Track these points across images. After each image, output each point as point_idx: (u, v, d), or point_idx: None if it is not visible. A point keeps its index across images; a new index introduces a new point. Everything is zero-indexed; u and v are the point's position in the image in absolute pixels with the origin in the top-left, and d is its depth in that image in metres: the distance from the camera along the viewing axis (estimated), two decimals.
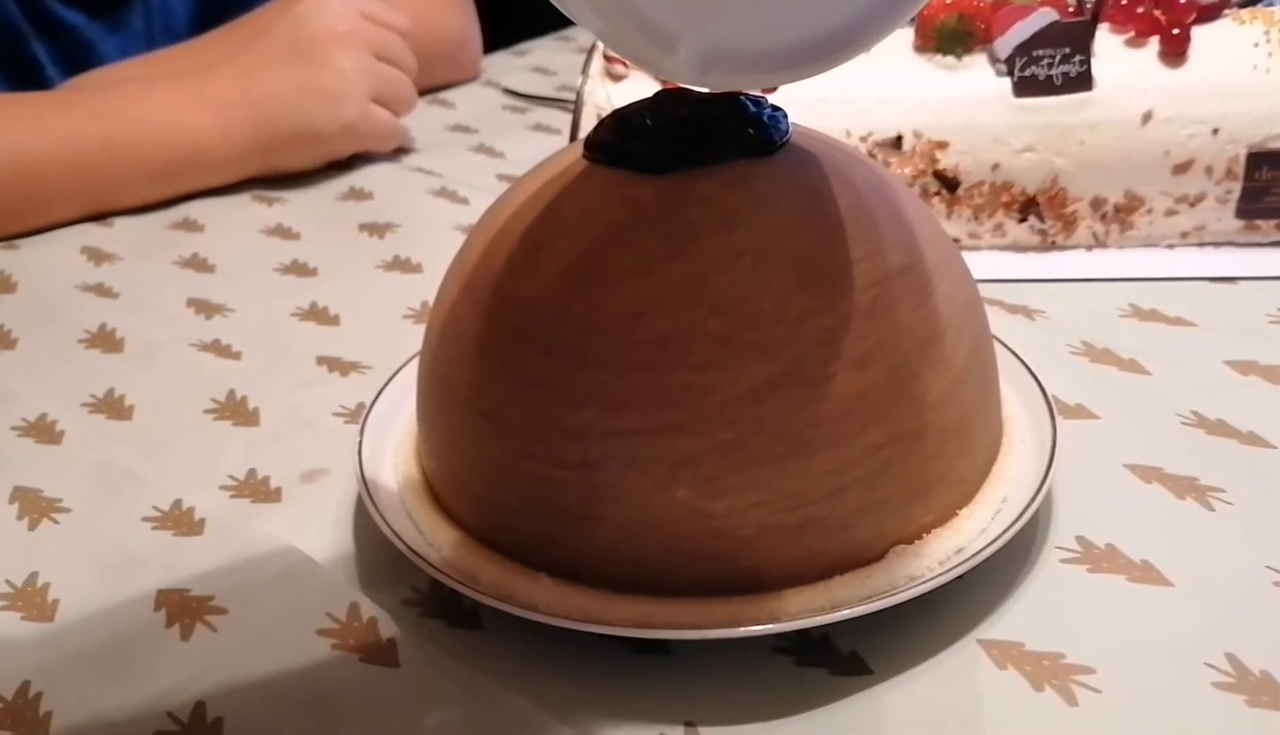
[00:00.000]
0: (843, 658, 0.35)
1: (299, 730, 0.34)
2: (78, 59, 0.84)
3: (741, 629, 0.34)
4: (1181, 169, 0.58)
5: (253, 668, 0.37)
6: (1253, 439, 0.44)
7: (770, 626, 0.34)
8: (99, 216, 0.73)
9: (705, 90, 0.37)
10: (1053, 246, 0.61)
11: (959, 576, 0.35)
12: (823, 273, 0.35)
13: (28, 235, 0.72)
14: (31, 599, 0.41)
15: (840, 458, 0.34)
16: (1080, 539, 0.39)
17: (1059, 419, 0.41)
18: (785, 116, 0.38)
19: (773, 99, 0.39)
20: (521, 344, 0.36)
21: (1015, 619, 0.36)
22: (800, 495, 0.34)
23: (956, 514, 0.37)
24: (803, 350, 0.34)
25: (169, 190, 0.75)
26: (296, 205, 0.75)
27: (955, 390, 0.36)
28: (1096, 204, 0.60)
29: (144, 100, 0.74)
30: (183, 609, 0.39)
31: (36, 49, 0.83)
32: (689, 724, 0.34)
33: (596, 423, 0.34)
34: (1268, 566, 0.38)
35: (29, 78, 0.82)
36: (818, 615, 0.34)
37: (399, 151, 0.83)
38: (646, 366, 0.34)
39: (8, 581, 0.41)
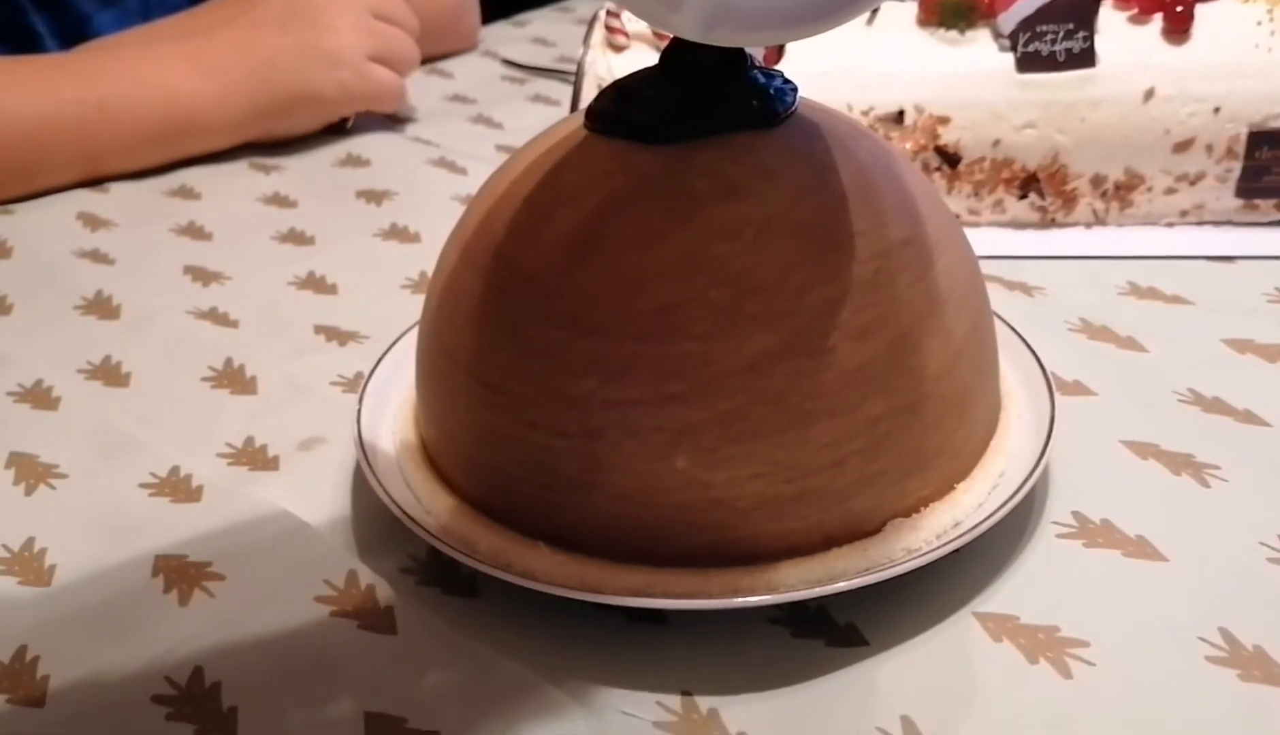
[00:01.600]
0: (839, 629, 0.36)
1: (296, 695, 0.35)
2: (76, 31, 0.83)
3: (739, 599, 0.34)
4: (1182, 147, 0.58)
5: (251, 633, 0.37)
6: (1248, 417, 0.44)
7: (767, 597, 0.34)
8: (95, 181, 0.73)
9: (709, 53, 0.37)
10: (1052, 223, 0.61)
11: (955, 550, 0.35)
12: (825, 244, 0.35)
13: (23, 200, 0.71)
14: (28, 564, 0.41)
15: (839, 429, 0.34)
16: (1076, 514, 0.40)
17: (1056, 395, 0.41)
18: (794, 89, 0.38)
19: None
20: (522, 311, 0.36)
21: (1011, 592, 0.37)
22: (799, 467, 0.34)
23: (954, 487, 0.37)
24: (804, 321, 0.34)
25: (166, 154, 0.74)
26: (293, 173, 0.75)
27: (955, 363, 0.36)
28: (1097, 181, 0.60)
29: (140, 64, 0.74)
30: (180, 574, 0.39)
31: (35, 21, 0.82)
32: (685, 693, 0.34)
33: (597, 392, 0.34)
34: (1262, 542, 0.38)
35: (28, 50, 0.81)
36: (815, 587, 0.34)
37: (397, 120, 0.83)
38: (648, 336, 0.34)
39: (4, 546, 0.41)
